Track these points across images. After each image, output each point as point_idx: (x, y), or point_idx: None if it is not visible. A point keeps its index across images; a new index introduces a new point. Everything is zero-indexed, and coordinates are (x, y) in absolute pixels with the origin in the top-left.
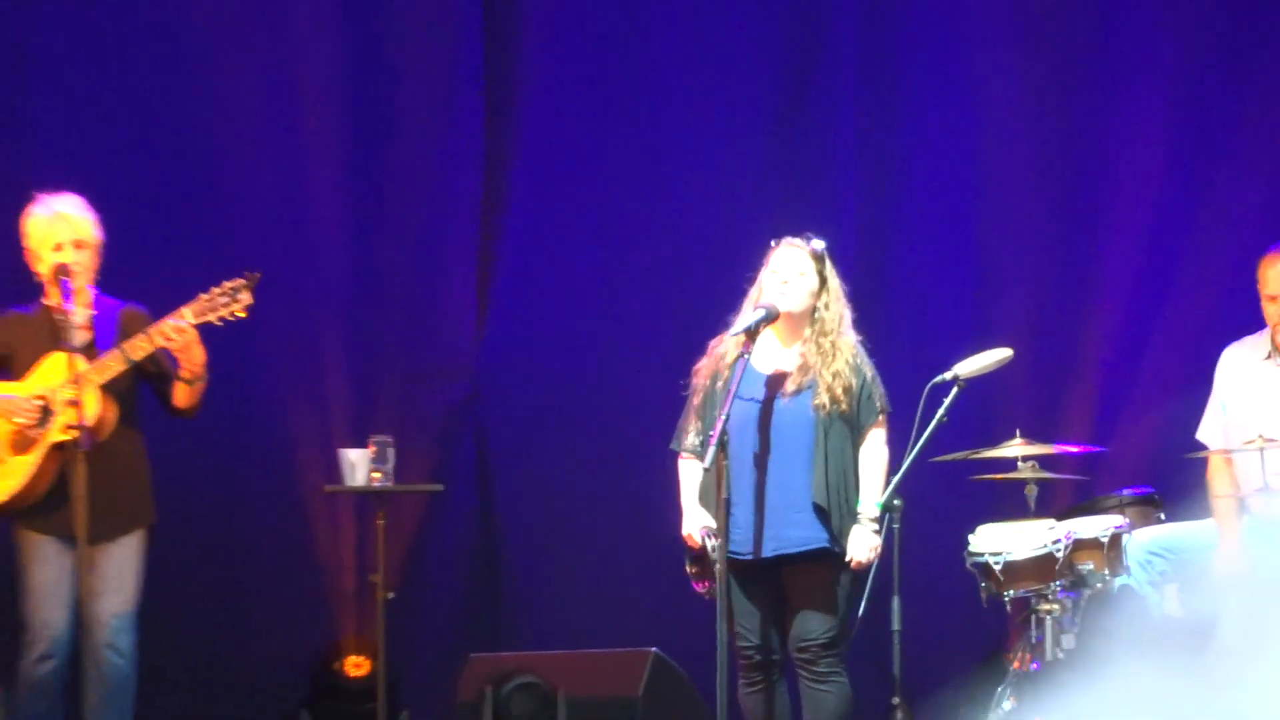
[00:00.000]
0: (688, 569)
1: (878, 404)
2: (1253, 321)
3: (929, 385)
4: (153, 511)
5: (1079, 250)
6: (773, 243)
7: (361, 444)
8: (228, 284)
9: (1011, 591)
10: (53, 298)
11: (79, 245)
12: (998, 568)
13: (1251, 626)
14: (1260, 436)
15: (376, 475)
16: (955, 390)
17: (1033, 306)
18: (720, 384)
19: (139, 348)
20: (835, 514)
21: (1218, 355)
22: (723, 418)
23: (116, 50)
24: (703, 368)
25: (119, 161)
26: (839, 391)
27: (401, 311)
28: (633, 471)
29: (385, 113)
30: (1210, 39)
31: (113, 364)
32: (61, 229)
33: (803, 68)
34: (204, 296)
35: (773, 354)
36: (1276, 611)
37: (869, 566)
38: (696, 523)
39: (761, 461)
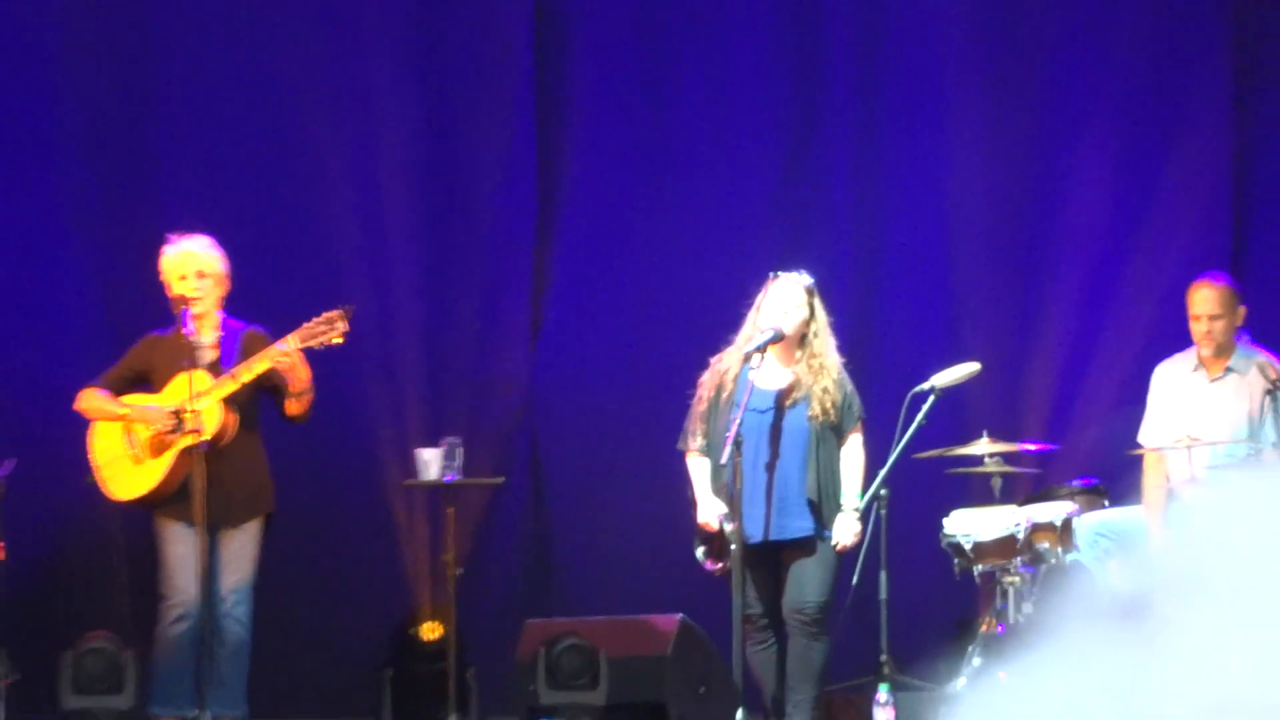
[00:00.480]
0: (698, 550)
1: (856, 413)
2: (1181, 339)
3: (910, 394)
4: (272, 502)
5: (1036, 280)
6: (771, 275)
7: (434, 445)
8: (327, 315)
9: (980, 566)
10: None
11: (201, 276)
12: (968, 547)
13: (1180, 596)
14: (1188, 436)
15: (448, 472)
16: (932, 398)
17: (997, 328)
18: (725, 395)
19: (250, 369)
20: (825, 507)
21: (1152, 370)
22: (737, 423)
23: (231, 103)
24: (706, 380)
25: (233, 200)
26: (828, 405)
27: (467, 334)
28: (660, 467)
29: (452, 165)
30: (1148, 99)
31: (229, 383)
32: (187, 262)
33: (803, 136)
34: (306, 325)
35: (773, 373)
36: (1200, 582)
37: (853, 548)
38: (713, 510)
39: (769, 463)
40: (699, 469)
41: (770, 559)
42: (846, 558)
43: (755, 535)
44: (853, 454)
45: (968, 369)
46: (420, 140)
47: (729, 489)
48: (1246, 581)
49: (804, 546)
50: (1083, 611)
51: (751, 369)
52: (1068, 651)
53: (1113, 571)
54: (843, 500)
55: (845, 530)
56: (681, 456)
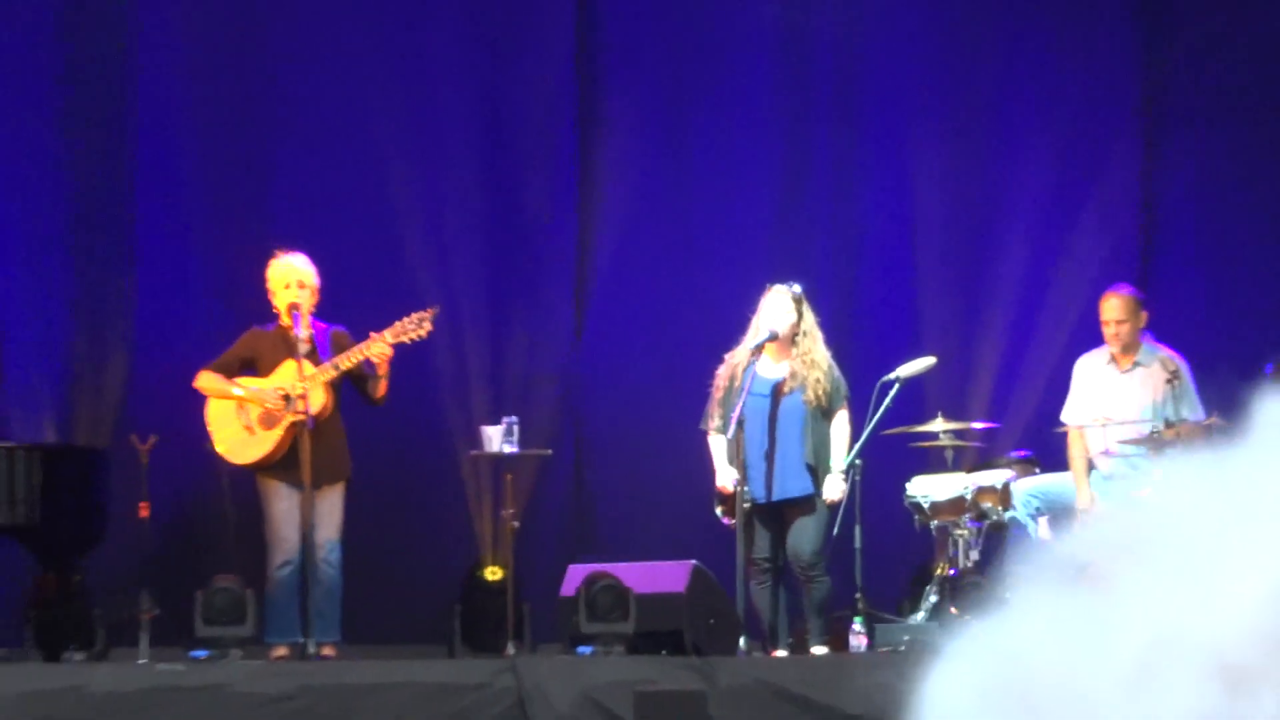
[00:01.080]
0: (717, 509)
1: (843, 394)
2: (1098, 336)
3: (879, 382)
4: (350, 470)
5: (982, 286)
6: (767, 285)
7: (496, 423)
8: (416, 315)
9: (936, 521)
10: (285, 321)
11: (301, 286)
12: (926, 505)
13: (1097, 548)
14: (1103, 417)
15: (506, 445)
16: (897, 386)
17: (950, 327)
18: (736, 383)
19: (349, 359)
20: (819, 471)
21: (1074, 362)
22: (739, 406)
23: (332, 139)
24: (722, 372)
25: (329, 220)
26: (820, 392)
27: (521, 331)
28: (682, 443)
29: (507, 191)
30: (1074, 140)
31: (331, 370)
32: (290, 274)
33: (795, 166)
34: (399, 323)
35: (772, 366)
36: (1115, 538)
37: (839, 503)
38: (729, 476)
39: (771, 437)
40: (717, 445)
41: (775, 515)
42: (835, 511)
43: (760, 496)
44: (840, 427)
45: (925, 362)
46: (482, 173)
47: (738, 459)
48: (1169, 539)
49: (802, 505)
50: (1018, 559)
51: (755, 362)
52: (1006, 590)
53: (1042, 526)
54: (831, 464)
55: (834, 488)
56: (703, 435)
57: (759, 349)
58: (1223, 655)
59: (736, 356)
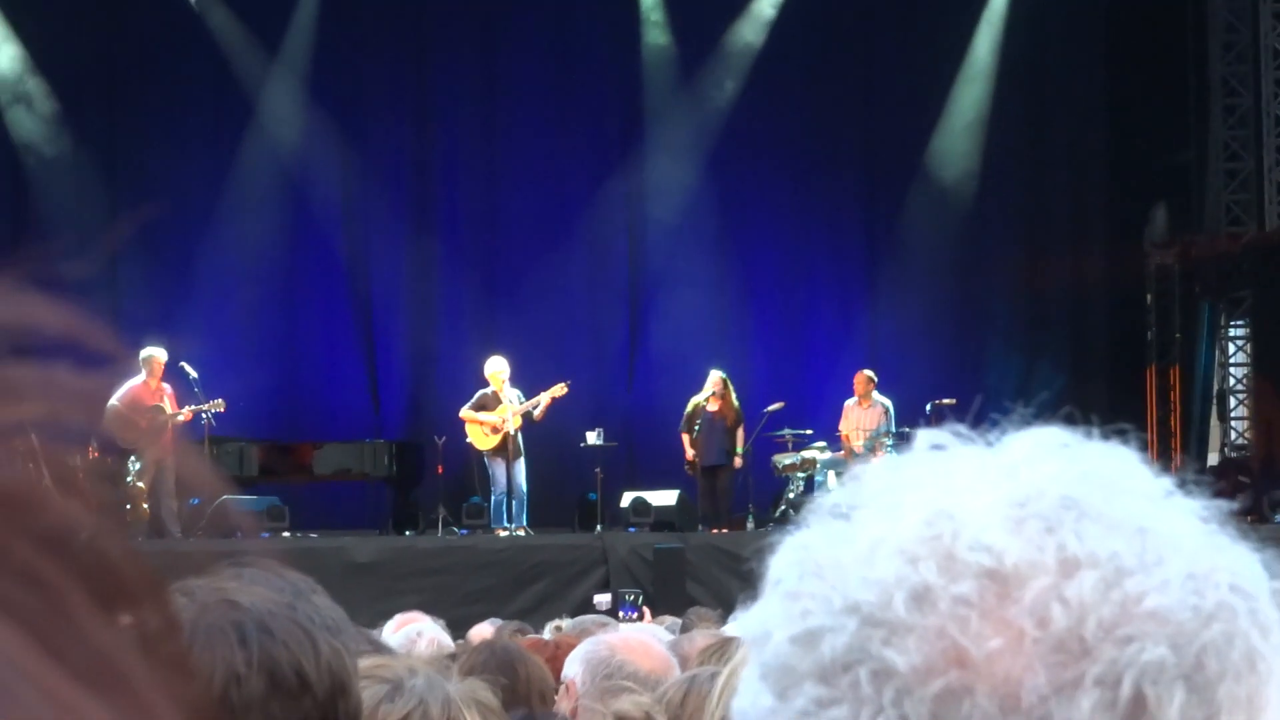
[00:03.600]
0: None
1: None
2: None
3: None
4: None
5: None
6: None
7: (591, 428)
8: (563, 383)
9: (783, 475)
10: (495, 386)
11: (500, 380)
12: (780, 467)
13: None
14: (858, 431)
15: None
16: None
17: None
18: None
19: (528, 405)
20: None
21: (843, 402)
22: (698, 425)
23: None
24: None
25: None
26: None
27: (590, 387)
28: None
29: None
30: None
31: (521, 411)
32: (500, 371)
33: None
34: (557, 386)
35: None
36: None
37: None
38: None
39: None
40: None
41: (709, 476)
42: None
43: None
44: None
45: (775, 406)
46: (570, 247)
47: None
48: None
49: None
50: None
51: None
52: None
53: (831, 478)
54: (739, 452)
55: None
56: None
57: (707, 399)
58: None
59: (698, 399)
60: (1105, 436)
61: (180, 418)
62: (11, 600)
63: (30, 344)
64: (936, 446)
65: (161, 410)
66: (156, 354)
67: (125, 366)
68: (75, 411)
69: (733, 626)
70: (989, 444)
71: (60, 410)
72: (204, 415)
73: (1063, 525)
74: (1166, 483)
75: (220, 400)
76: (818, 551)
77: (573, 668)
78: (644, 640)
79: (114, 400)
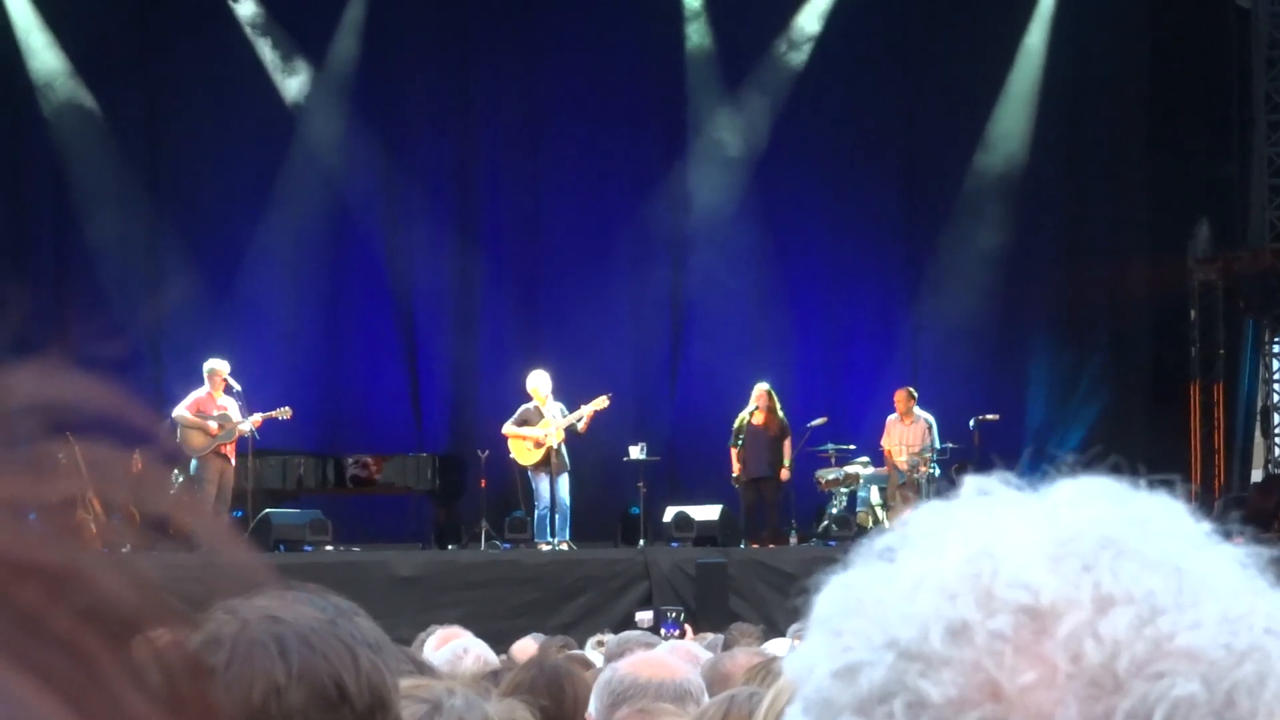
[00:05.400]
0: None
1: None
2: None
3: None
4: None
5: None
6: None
7: (635, 443)
8: (605, 396)
9: (826, 490)
10: (537, 400)
11: (541, 395)
12: (823, 482)
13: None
14: (901, 448)
15: (643, 452)
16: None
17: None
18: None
19: (572, 418)
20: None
21: (886, 418)
22: (741, 438)
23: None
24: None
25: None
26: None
27: (632, 400)
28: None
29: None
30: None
31: (564, 425)
32: (542, 386)
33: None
34: (599, 399)
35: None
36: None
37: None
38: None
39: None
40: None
41: (753, 489)
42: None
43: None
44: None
45: (819, 420)
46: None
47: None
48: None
49: (771, 482)
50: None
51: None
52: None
53: (874, 494)
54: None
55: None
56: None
57: (751, 413)
58: None
59: (745, 411)
60: (1151, 486)
61: (248, 425)
62: (53, 670)
63: (72, 421)
64: (983, 492)
65: (228, 418)
66: (219, 366)
67: (163, 441)
68: (116, 487)
69: (774, 644)
70: (1034, 490)
71: (101, 486)
72: (275, 419)
73: (1100, 563)
74: (1207, 527)
75: (288, 408)
76: (861, 590)
77: (590, 699)
78: (660, 656)
79: (181, 409)
